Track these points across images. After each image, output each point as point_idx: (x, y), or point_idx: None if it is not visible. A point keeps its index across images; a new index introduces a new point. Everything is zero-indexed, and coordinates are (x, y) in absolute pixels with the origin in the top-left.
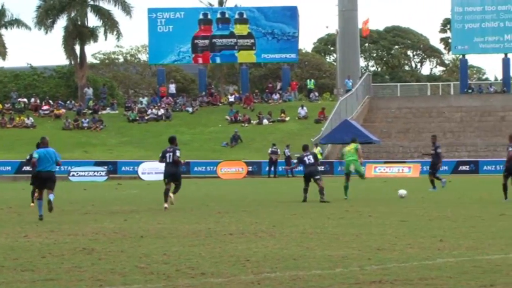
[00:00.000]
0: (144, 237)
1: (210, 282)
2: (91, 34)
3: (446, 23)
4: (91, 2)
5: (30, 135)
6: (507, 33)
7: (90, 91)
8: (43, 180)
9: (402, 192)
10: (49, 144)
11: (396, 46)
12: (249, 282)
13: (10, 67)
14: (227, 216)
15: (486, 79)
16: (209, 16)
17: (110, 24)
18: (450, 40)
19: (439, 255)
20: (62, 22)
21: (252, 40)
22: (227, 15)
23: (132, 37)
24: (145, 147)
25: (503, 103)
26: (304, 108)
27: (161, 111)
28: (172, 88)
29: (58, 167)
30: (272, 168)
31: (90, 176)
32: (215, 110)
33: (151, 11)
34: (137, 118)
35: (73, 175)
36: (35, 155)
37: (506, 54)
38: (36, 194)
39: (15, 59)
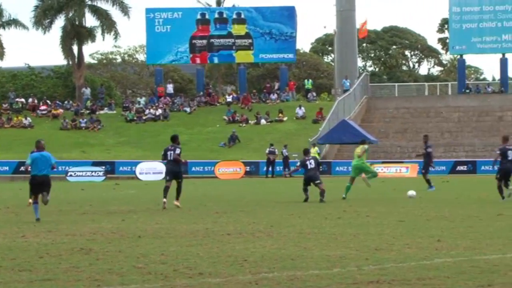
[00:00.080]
0: (142, 237)
1: (208, 282)
2: (89, 34)
3: (444, 23)
4: (89, 2)
5: (28, 135)
6: (504, 33)
7: (87, 91)
8: (38, 185)
9: (411, 193)
10: (45, 147)
11: (394, 46)
12: (247, 282)
13: (8, 67)
14: (225, 216)
15: (484, 79)
16: (207, 16)
17: (108, 24)
18: (448, 40)
19: (437, 255)
20: (60, 22)
21: (250, 40)
22: (225, 15)
23: (130, 37)
24: (142, 147)
25: (501, 103)
26: (302, 108)
27: (159, 111)
28: (170, 88)
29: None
30: (270, 168)
31: (88, 176)
32: (213, 110)
33: (149, 11)
34: (135, 118)
35: (70, 175)
36: (28, 161)
37: (503, 54)
38: (30, 200)
39: (13, 59)
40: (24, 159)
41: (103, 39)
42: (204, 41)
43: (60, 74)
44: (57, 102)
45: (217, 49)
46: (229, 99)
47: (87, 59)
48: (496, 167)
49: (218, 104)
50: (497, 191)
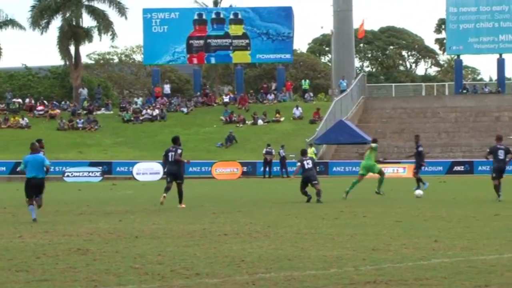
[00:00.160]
0: (139, 237)
1: (204, 282)
2: (86, 35)
3: (441, 23)
4: (86, 3)
5: (25, 135)
6: (501, 33)
7: (84, 91)
8: (32, 187)
9: (419, 192)
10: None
11: (391, 47)
12: (244, 282)
13: (4, 67)
14: (222, 217)
15: (481, 79)
16: (204, 17)
17: (105, 24)
18: (445, 41)
19: (434, 255)
20: (57, 22)
21: (247, 41)
22: (222, 16)
23: (127, 37)
24: (139, 147)
25: (498, 104)
26: (299, 108)
27: (156, 112)
28: (167, 88)
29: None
30: (267, 169)
31: (85, 176)
32: (210, 111)
33: (146, 11)
34: (132, 118)
35: (67, 176)
36: (21, 166)
37: (500, 55)
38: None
39: (9, 60)
40: (21, 160)
41: (100, 40)
42: (201, 42)
43: (57, 74)
44: (54, 102)
45: (214, 49)
46: (226, 99)
47: (84, 59)
48: (487, 168)
49: (215, 105)
50: (494, 191)
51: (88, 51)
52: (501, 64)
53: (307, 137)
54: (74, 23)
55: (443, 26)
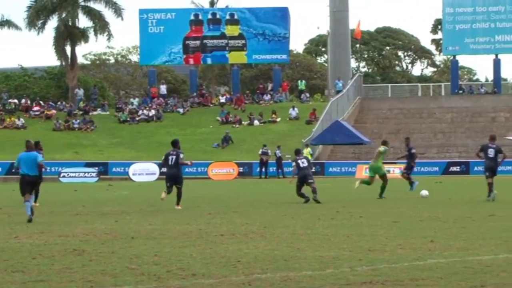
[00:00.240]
0: (135, 238)
1: (201, 283)
2: (82, 35)
3: (437, 24)
4: (82, 3)
5: (21, 136)
6: (498, 34)
7: (81, 92)
8: (25, 184)
9: (424, 192)
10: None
11: (387, 47)
12: (240, 283)
13: (0, 68)
14: (218, 217)
15: (477, 80)
16: (200, 17)
17: (101, 25)
18: (441, 41)
19: (430, 255)
20: (53, 23)
21: (243, 41)
22: (218, 16)
23: (123, 37)
24: (136, 148)
25: (494, 104)
26: (295, 109)
27: (152, 112)
28: (163, 89)
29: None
30: (263, 169)
31: (81, 177)
32: (206, 111)
33: (142, 12)
34: (128, 119)
35: (63, 176)
36: (15, 162)
37: (496, 55)
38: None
39: (5, 60)
40: None
41: (96, 40)
42: (198, 42)
43: (53, 75)
44: (50, 103)
45: (210, 50)
46: (222, 100)
47: (80, 60)
48: (480, 168)
49: (211, 105)
50: (488, 189)
51: (84, 51)
52: (497, 64)
53: (303, 137)
54: (70, 24)
55: (439, 27)
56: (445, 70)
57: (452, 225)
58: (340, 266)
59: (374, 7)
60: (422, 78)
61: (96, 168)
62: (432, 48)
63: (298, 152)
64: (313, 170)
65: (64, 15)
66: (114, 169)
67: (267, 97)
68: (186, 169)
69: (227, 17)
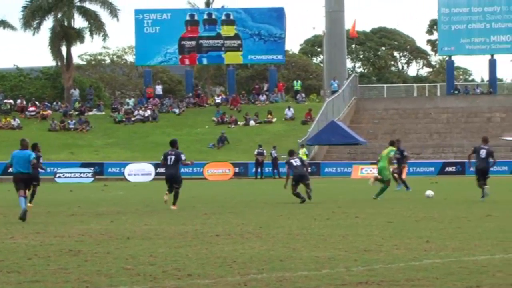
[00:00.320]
0: (130, 238)
1: (196, 283)
2: (78, 35)
3: (433, 24)
4: (78, 3)
5: (16, 136)
6: (493, 34)
7: (76, 92)
8: (18, 182)
9: (429, 192)
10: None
11: (383, 47)
12: (236, 283)
13: None
14: (213, 218)
15: (473, 80)
16: (196, 17)
17: (97, 25)
18: (436, 41)
19: (426, 256)
20: (48, 23)
21: (239, 41)
22: (213, 16)
23: (118, 38)
24: (131, 148)
25: (489, 104)
26: (291, 109)
27: (148, 112)
28: (159, 89)
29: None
30: (259, 170)
31: (76, 177)
32: (202, 111)
33: (137, 12)
34: (124, 119)
35: (59, 177)
36: (9, 160)
37: (492, 55)
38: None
39: (1, 60)
40: None
41: (92, 40)
42: (193, 42)
43: (48, 75)
44: (46, 103)
45: (206, 50)
46: (218, 100)
47: (76, 60)
48: (472, 169)
49: (207, 105)
50: (481, 189)
51: (79, 52)
52: (492, 65)
53: (299, 138)
54: (66, 24)
55: (435, 27)
56: (441, 70)
57: (447, 225)
58: (335, 267)
59: (369, 8)
60: (418, 79)
61: (92, 168)
62: (427, 48)
63: (291, 153)
64: (309, 170)
65: (59, 15)
66: (109, 170)
67: (262, 97)
68: (182, 169)
69: (223, 17)
